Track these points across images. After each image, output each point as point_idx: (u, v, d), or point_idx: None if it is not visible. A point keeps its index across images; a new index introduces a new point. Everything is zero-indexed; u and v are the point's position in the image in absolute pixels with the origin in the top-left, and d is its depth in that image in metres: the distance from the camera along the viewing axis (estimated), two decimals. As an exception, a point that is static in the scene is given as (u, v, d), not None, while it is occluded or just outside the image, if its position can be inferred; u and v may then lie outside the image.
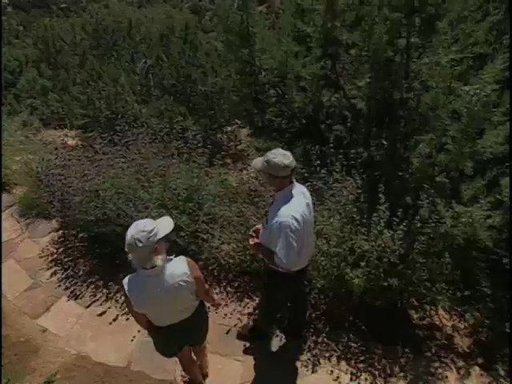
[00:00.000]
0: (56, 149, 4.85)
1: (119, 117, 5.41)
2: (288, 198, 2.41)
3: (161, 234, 2.06)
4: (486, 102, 2.67)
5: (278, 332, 3.41)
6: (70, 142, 6.52)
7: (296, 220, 2.34)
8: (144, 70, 6.62)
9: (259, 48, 4.30)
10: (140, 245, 1.97)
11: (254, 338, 3.37)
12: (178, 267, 2.19)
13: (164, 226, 2.12)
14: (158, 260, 2.06)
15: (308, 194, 2.60)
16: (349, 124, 3.86)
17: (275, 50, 4.03)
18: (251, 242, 2.66)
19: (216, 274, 3.87)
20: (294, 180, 2.49)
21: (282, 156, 2.32)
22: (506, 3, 3.45)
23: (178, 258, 2.25)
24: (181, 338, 2.48)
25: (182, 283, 2.16)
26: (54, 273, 4.17)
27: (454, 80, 3.21)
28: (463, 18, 3.16)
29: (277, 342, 3.34)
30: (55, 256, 4.37)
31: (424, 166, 3.15)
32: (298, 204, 2.41)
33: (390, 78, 3.49)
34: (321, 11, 3.66)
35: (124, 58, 7.14)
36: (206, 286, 2.45)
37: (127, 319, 3.62)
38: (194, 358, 2.90)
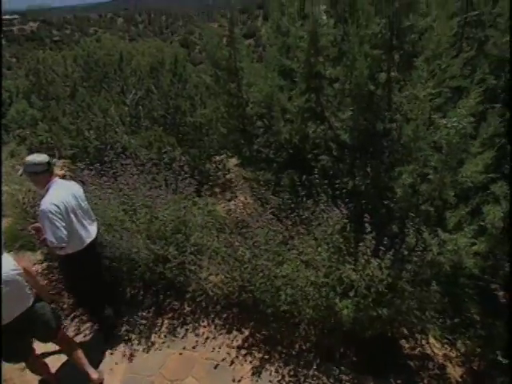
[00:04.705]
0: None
1: (108, 147, 5.45)
2: (49, 191, 2.97)
3: None
4: (464, 134, 2.78)
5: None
6: (58, 172, 6.50)
7: (55, 205, 2.88)
8: (134, 101, 6.75)
9: (246, 82, 4.43)
10: None
11: (93, 318, 3.73)
12: (5, 261, 2.54)
13: None
14: None
15: (75, 186, 3.24)
16: (334, 154, 3.94)
17: (262, 84, 4.15)
18: (30, 227, 3.14)
19: (204, 305, 3.80)
20: (58, 178, 3.09)
21: (35, 155, 2.98)
22: (478, 41, 3.67)
23: (2, 256, 2.57)
24: (23, 332, 2.72)
25: (11, 272, 2.52)
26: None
27: (434, 112, 3.34)
28: (438, 55, 3.33)
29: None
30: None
31: (408, 195, 3.21)
32: (57, 193, 2.97)
33: (372, 111, 3.62)
34: (304, 48, 3.81)
35: (114, 90, 7.27)
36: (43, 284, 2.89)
37: (111, 354, 3.50)
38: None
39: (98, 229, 3.46)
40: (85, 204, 3.27)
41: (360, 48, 3.51)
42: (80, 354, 3.17)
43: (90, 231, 3.29)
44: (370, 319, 3.08)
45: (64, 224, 2.92)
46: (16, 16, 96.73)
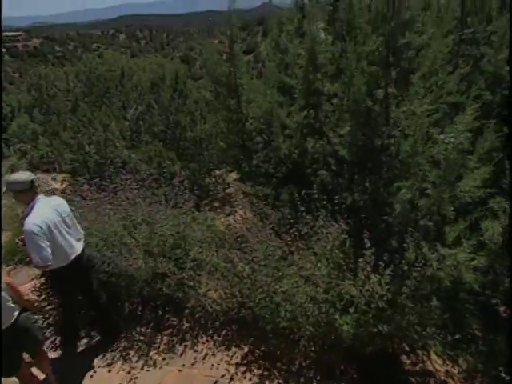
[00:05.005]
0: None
1: (108, 162, 5.48)
2: (33, 210, 2.93)
3: None
4: (461, 149, 2.81)
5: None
6: (58, 186, 6.51)
7: (38, 225, 2.85)
8: (135, 116, 6.81)
9: (246, 98, 4.48)
10: None
11: (66, 339, 3.69)
12: None
13: None
14: None
15: (58, 202, 3.20)
16: (333, 169, 3.97)
17: (261, 100, 4.20)
18: (17, 239, 3.19)
19: (203, 321, 3.77)
20: (42, 195, 3.05)
21: (19, 173, 2.96)
22: (473, 58, 3.74)
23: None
24: (12, 345, 2.70)
25: None
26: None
27: (431, 127, 3.38)
28: (435, 71, 3.38)
29: None
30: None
31: (406, 210, 3.22)
32: (41, 212, 2.93)
33: (370, 126, 3.65)
34: (303, 65, 3.87)
35: (115, 105, 7.35)
36: (30, 296, 2.89)
37: (109, 371, 3.45)
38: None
39: (84, 243, 3.46)
40: (70, 220, 3.26)
41: (358, 65, 3.57)
42: (48, 364, 3.20)
43: (76, 246, 3.28)
44: (371, 335, 3.05)
45: (48, 243, 2.90)
46: (20, 33, 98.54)
